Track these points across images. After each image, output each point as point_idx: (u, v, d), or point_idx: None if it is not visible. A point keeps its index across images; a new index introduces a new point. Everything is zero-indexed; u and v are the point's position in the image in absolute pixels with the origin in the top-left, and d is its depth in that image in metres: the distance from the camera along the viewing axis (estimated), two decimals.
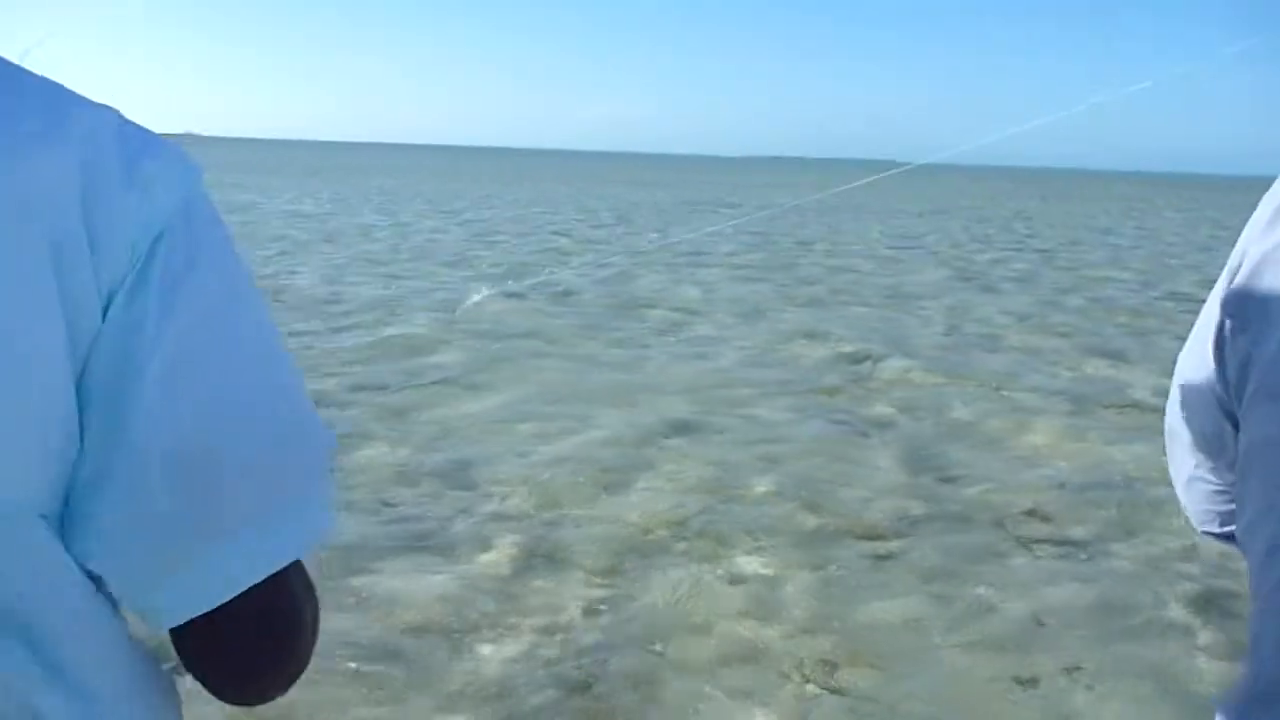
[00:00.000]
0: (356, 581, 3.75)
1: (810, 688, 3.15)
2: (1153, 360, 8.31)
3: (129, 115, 0.67)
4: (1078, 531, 4.54)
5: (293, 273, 12.52)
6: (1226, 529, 0.96)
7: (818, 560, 4.11)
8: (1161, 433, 1.05)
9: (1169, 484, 1.06)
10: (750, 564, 4.06)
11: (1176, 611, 3.75)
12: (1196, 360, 0.89)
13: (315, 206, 25.64)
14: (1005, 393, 7.16)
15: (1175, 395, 0.96)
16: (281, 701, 0.74)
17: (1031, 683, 3.22)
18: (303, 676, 0.73)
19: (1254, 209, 0.83)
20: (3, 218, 0.59)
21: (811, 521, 4.52)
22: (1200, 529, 1.02)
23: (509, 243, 17.52)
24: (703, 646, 3.39)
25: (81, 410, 0.61)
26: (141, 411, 0.61)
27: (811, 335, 9.21)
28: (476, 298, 10.08)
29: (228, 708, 0.80)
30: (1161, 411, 1.03)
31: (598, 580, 3.87)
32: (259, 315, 0.70)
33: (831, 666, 3.27)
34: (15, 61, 0.66)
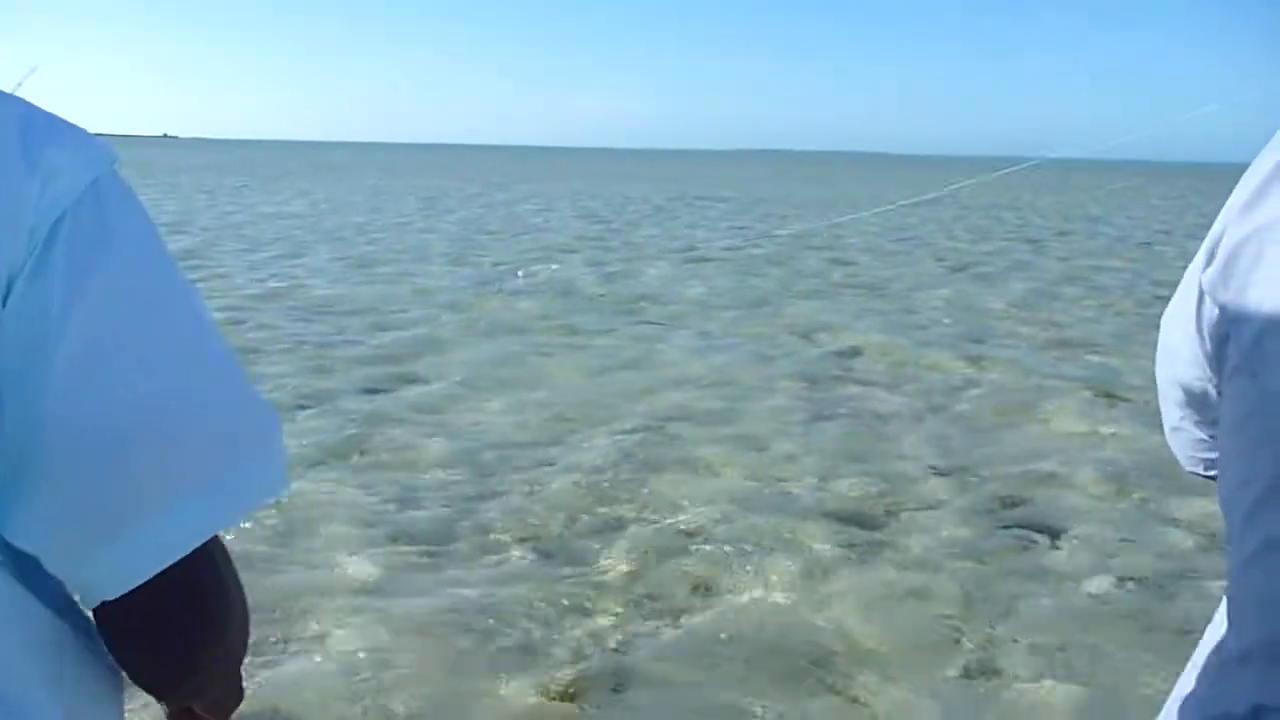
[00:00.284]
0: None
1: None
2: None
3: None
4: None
5: (292, 274, 12.49)
6: (1211, 472, 1.02)
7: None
8: None
9: None
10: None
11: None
12: (1178, 326, 0.93)
13: (306, 207, 25.43)
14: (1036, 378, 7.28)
15: (1161, 355, 1.01)
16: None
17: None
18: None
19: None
20: None
21: None
22: (1187, 470, 1.09)
23: (548, 235, 17.57)
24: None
25: None
26: (55, 393, 0.62)
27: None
28: (538, 269, 10.17)
29: None
30: None
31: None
32: (179, 296, 0.70)
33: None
34: (11, 90, 0.68)
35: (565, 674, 3.20)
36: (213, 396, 0.69)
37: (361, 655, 3.29)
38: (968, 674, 3.28)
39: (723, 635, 3.48)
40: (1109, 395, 6.88)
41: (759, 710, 3.04)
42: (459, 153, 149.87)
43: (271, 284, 11.47)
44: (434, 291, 11.14)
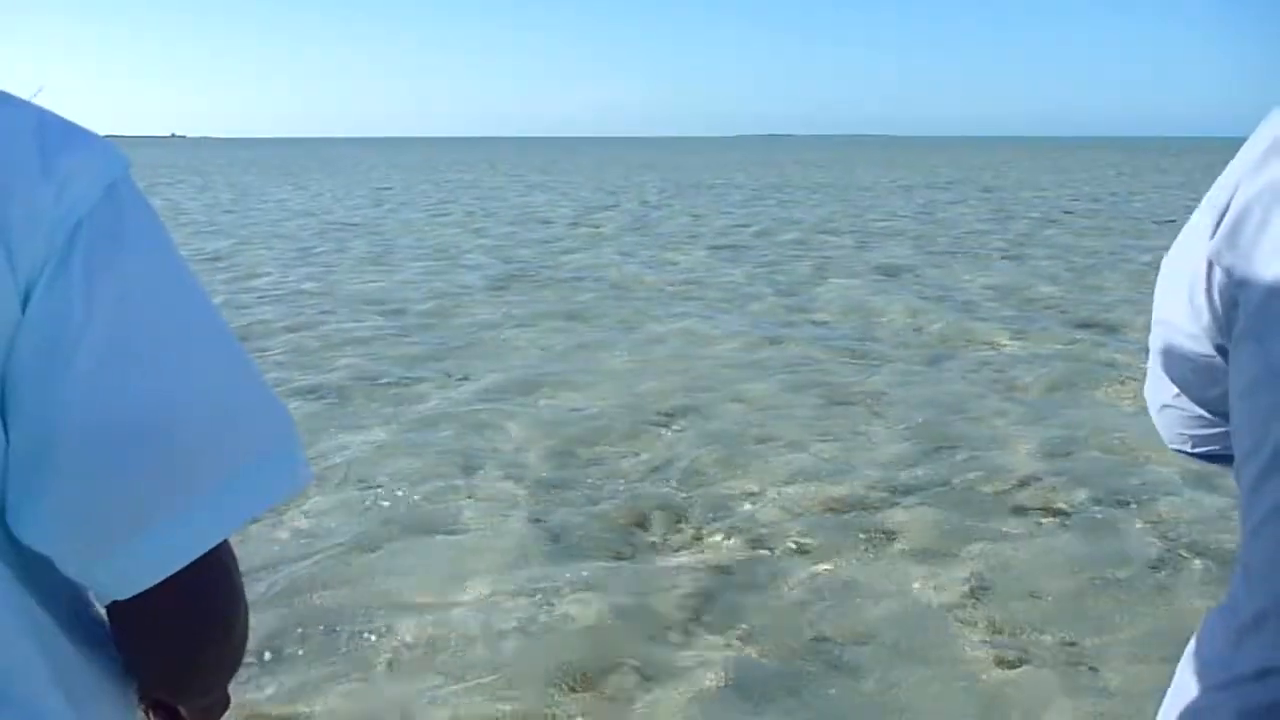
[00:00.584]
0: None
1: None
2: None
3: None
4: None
5: (327, 269, 12.18)
6: (1197, 450, 1.01)
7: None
8: None
9: None
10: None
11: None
12: (1174, 297, 0.88)
13: (319, 202, 24.78)
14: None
15: (1156, 330, 0.96)
16: None
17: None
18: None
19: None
20: None
21: None
22: (1171, 447, 1.06)
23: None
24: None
25: (3, 400, 0.63)
26: (75, 394, 0.63)
27: None
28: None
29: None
30: None
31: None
32: (192, 296, 0.71)
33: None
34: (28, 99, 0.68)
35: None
36: (229, 398, 0.70)
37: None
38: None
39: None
40: None
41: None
42: (464, 146, 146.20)
43: (371, 282, 11.12)
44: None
